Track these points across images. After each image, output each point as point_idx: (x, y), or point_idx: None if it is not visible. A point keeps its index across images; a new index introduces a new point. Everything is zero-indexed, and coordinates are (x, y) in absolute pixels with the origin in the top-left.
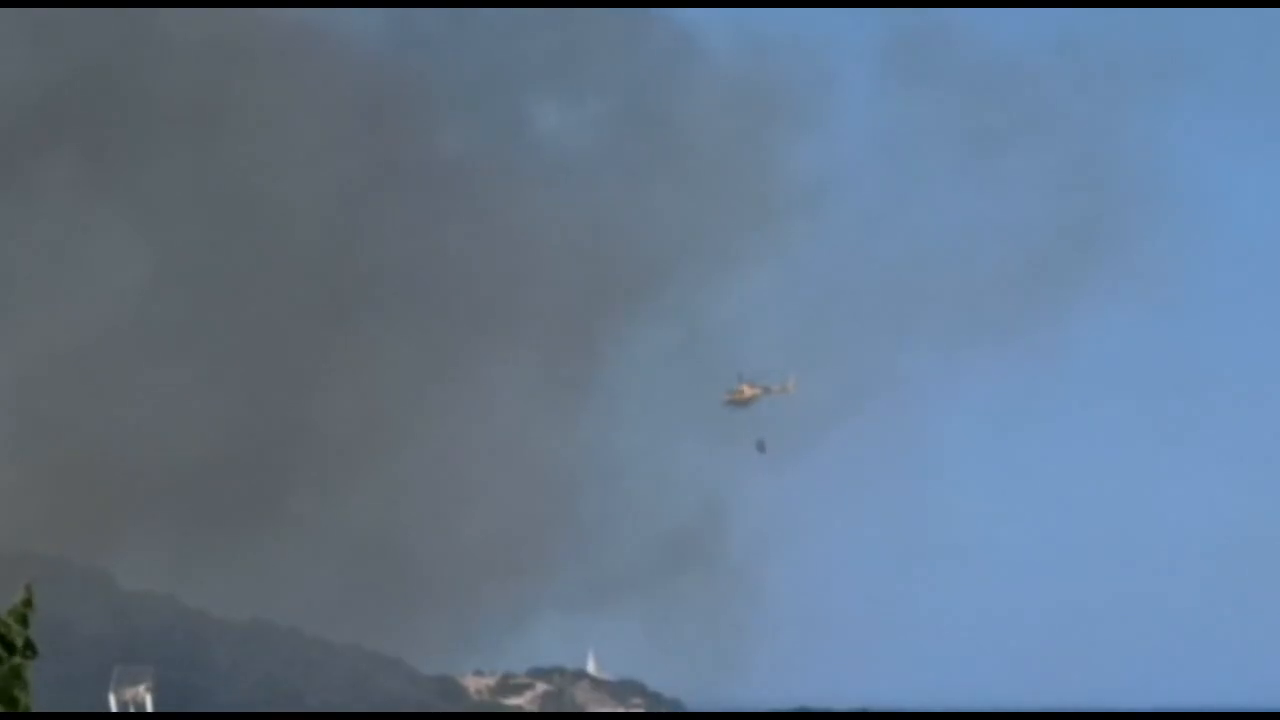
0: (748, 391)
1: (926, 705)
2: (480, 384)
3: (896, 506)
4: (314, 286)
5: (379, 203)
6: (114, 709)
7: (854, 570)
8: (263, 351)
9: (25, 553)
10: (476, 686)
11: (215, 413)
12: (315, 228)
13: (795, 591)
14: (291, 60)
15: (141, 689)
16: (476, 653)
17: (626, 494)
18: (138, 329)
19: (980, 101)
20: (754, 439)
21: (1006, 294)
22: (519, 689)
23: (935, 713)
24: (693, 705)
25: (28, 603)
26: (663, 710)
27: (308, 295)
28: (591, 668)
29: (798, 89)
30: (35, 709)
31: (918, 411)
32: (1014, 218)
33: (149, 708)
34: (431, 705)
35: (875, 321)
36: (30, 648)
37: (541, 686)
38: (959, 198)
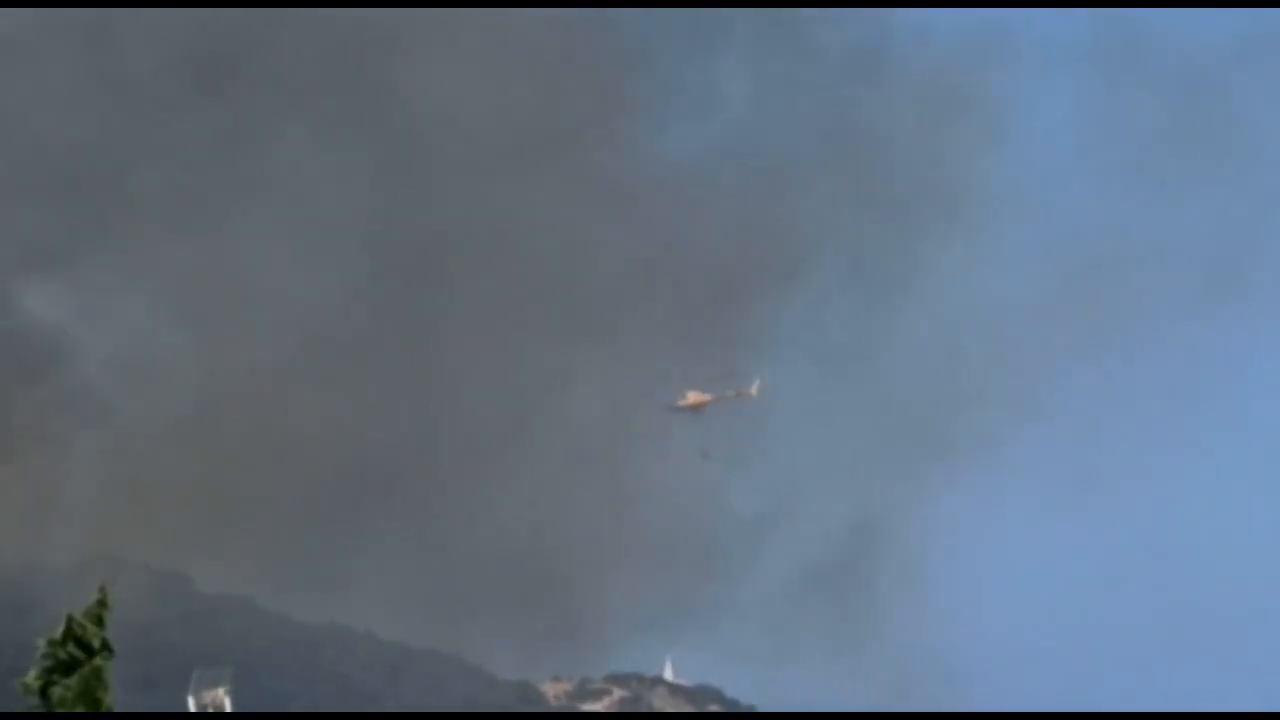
0: (693, 398)
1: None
2: (580, 392)
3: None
4: (447, 299)
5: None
6: (192, 710)
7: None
8: (364, 362)
9: (106, 556)
10: (554, 692)
11: (310, 426)
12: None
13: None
14: (464, 71)
15: (220, 691)
16: (555, 658)
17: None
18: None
19: (1178, 103)
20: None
21: (1189, 304)
22: (597, 694)
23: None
24: (766, 710)
25: (102, 603)
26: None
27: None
28: (669, 674)
29: (986, 91)
30: (116, 712)
31: (1097, 425)
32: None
33: (228, 709)
34: (508, 709)
35: (1053, 332)
36: (107, 648)
37: (619, 692)
38: (1148, 201)
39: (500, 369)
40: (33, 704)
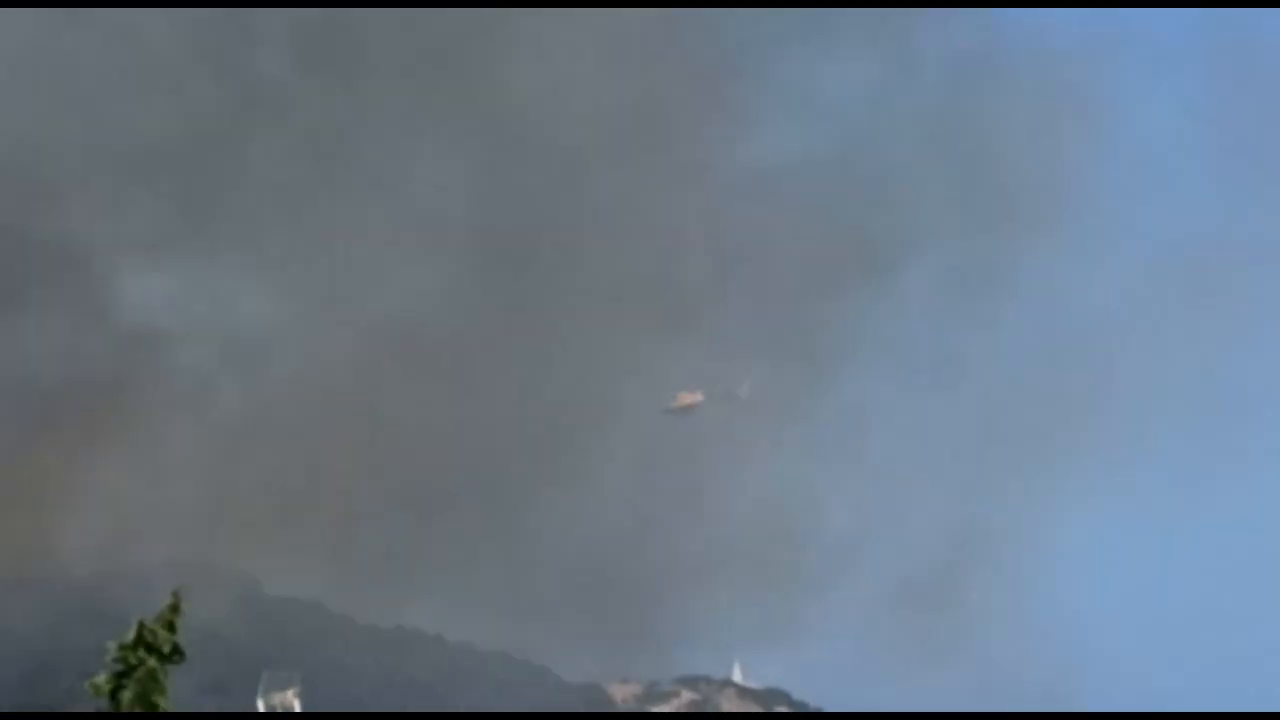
0: (686, 399)
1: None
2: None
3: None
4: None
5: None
6: (261, 712)
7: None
8: (454, 358)
9: (175, 559)
10: (623, 694)
11: (391, 425)
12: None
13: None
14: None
15: (289, 693)
16: (623, 661)
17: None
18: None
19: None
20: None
21: None
22: (665, 697)
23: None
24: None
25: (175, 608)
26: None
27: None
28: (737, 676)
29: (1093, 92)
30: (185, 712)
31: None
32: None
33: (297, 711)
34: (577, 712)
35: (1160, 336)
36: (178, 652)
37: (687, 694)
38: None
39: (587, 365)
40: (102, 706)
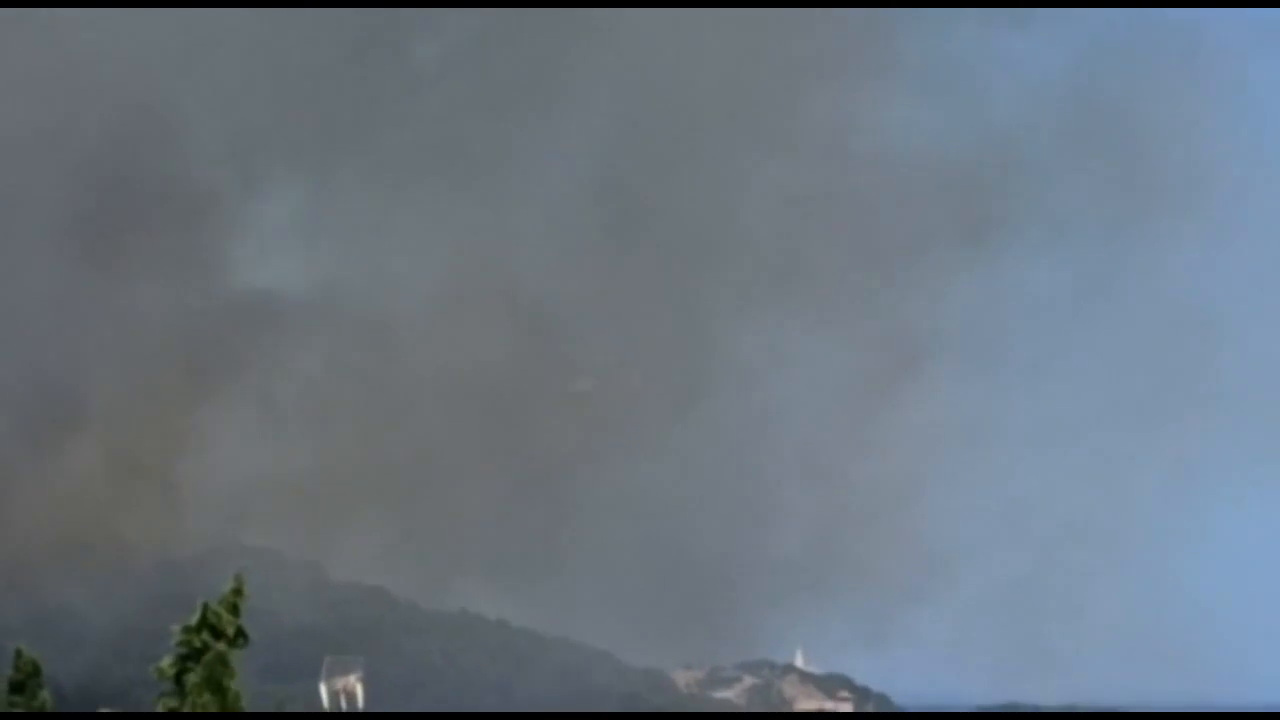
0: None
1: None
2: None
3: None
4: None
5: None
6: (325, 699)
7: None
8: (556, 336)
9: (239, 545)
10: (685, 680)
11: (442, 417)
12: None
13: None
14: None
15: (352, 679)
16: (685, 646)
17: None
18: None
19: None
20: None
21: None
22: (727, 682)
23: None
24: (900, 701)
25: (238, 592)
26: (870, 704)
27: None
28: (799, 662)
29: (1237, 77)
30: (246, 697)
31: None
32: None
33: (359, 698)
34: (640, 698)
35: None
36: (241, 635)
37: (749, 680)
38: None
39: (684, 344)
40: (167, 689)
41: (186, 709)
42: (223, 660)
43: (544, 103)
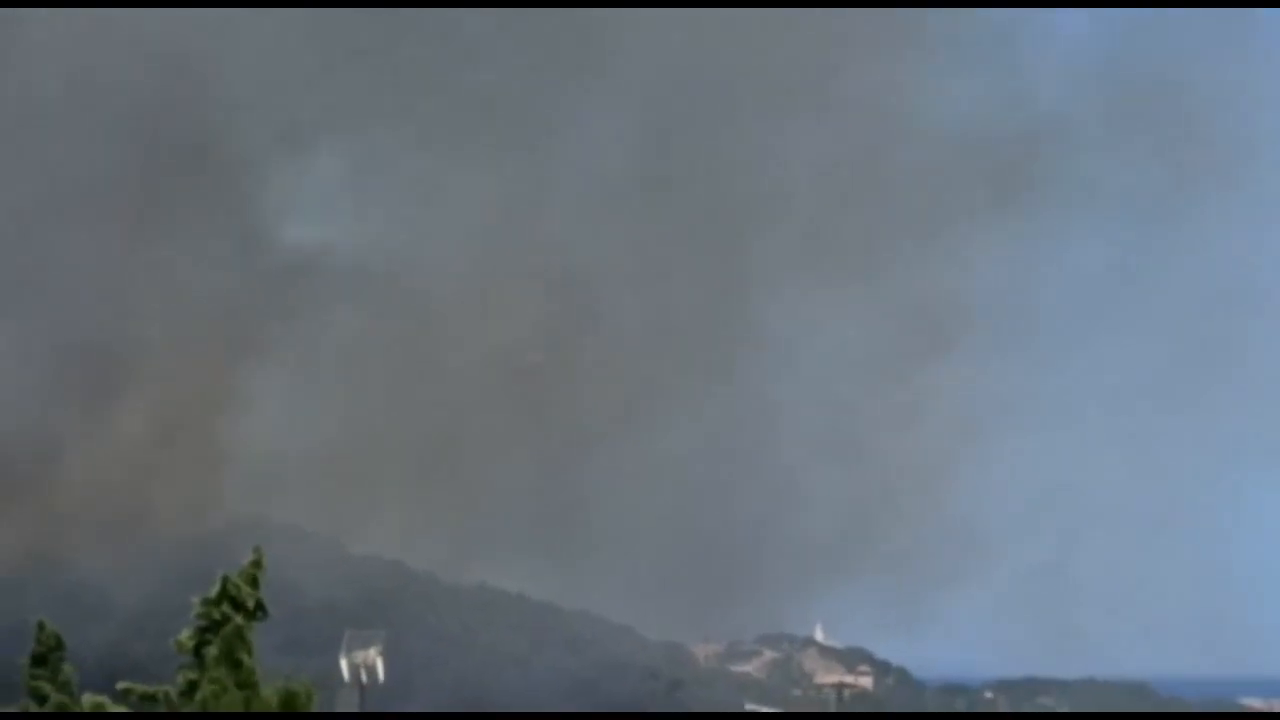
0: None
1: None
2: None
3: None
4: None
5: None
6: (345, 672)
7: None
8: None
9: (258, 518)
10: (705, 653)
11: (471, 388)
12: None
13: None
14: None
15: (372, 652)
16: (705, 619)
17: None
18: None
19: None
20: None
21: None
22: (746, 656)
23: None
24: (919, 675)
25: (257, 564)
26: (890, 678)
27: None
28: (819, 636)
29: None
30: (266, 671)
31: None
32: None
33: (380, 671)
34: (659, 671)
35: None
36: (261, 608)
37: (769, 653)
38: None
39: (716, 315)
40: (186, 663)
41: (205, 683)
42: (239, 634)
43: (586, 71)
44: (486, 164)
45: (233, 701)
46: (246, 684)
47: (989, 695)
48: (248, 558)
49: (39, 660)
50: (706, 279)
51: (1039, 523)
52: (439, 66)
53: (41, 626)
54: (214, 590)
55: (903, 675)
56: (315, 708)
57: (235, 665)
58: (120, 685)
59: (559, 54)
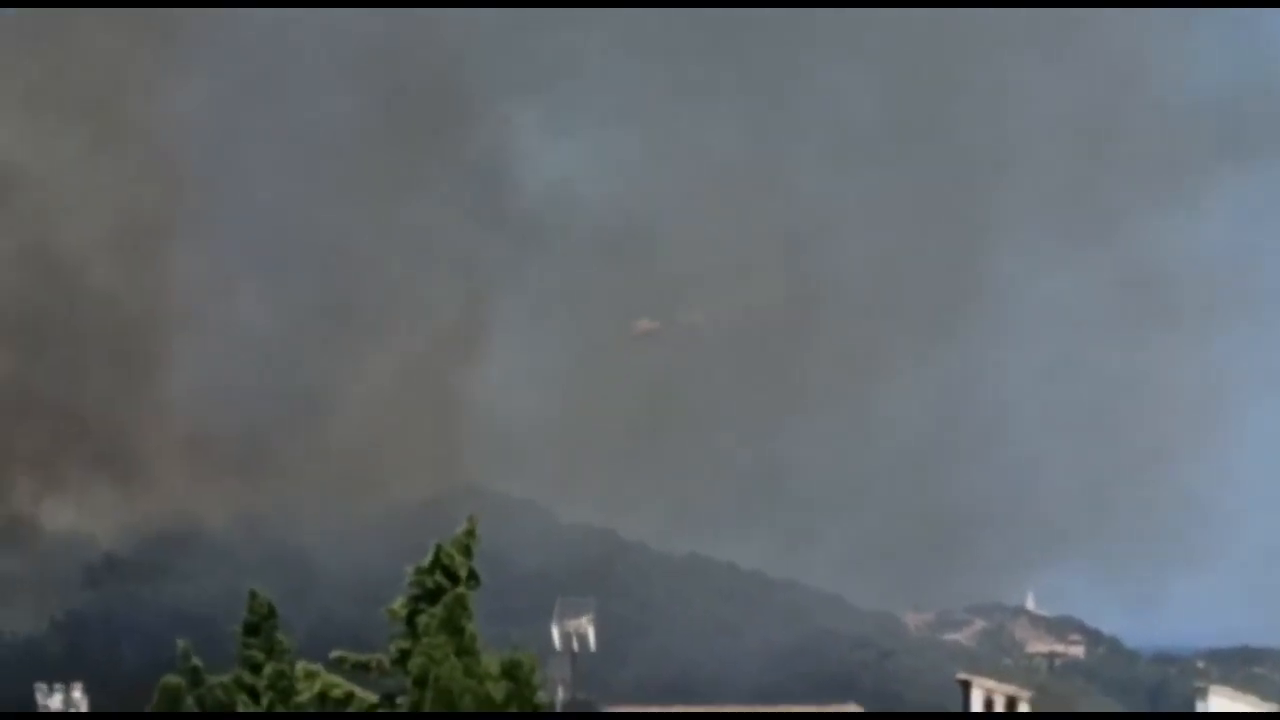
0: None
1: None
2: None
3: None
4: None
5: None
6: (556, 641)
7: None
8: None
9: (468, 487)
10: (915, 622)
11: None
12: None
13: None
14: None
15: (583, 620)
16: (915, 589)
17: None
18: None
19: None
20: None
21: None
22: (957, 625)
23: None
24: (1132, 645)
25: (470, 533)
26: (1102, 647)
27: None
28: (1030, 604)
29: None
30: (477, 640)
31: None
32: None
33: (591, 639)
34: (869, 640)
35: None
36: (474, 577)
37: (980, 623)
38: None
39: (948, 273)
40: (398, 631)
41: (419, 651)
42: (461, 601)
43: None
44: (728, 116)
45: (451, 669)
46: (467, 651)
47: (1200, 665)
48: (460, 526)
49: (252, 629)
50: (938, 237)
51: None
52: (680, 18)
53: (254, 595)
54: (428, 559)
55: (1114, 644)
56: (537, 678)
57: (456, 632)
58: (333, 654)
59: (801, 5)
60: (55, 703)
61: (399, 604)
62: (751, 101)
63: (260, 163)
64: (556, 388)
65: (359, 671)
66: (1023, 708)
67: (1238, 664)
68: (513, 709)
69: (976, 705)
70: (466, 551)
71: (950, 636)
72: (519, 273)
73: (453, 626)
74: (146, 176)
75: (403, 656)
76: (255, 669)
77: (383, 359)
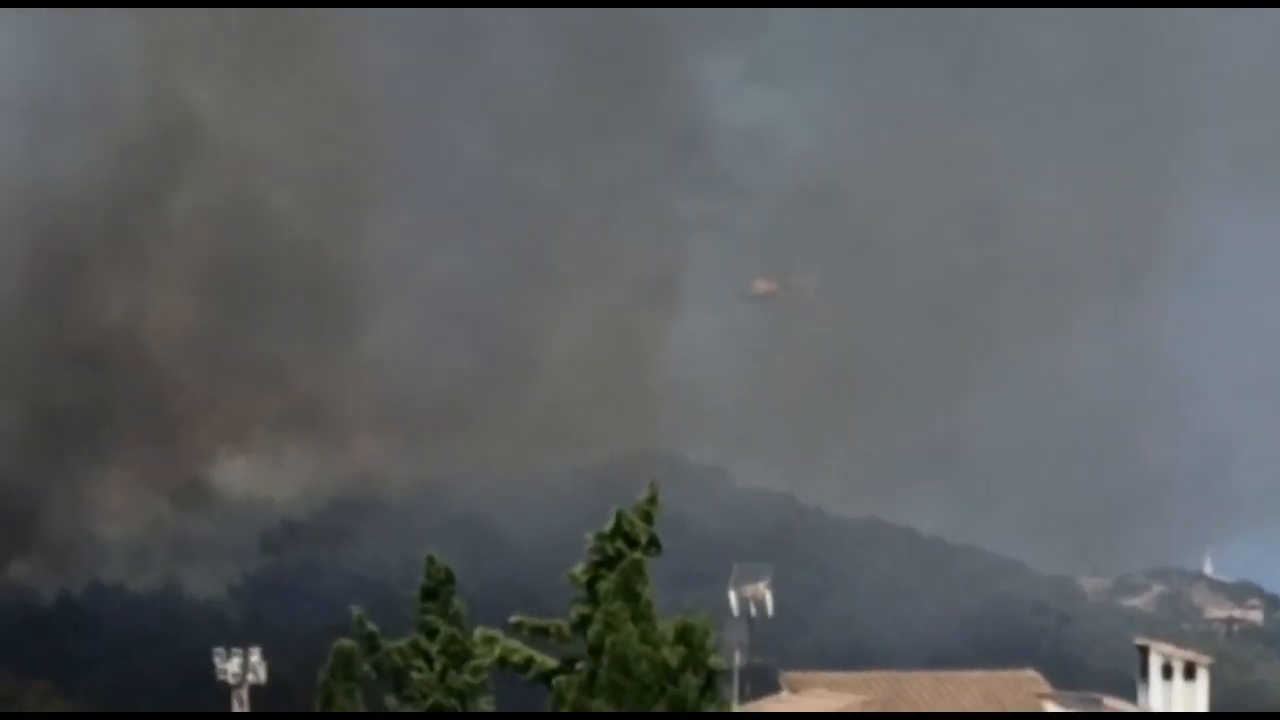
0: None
1: None
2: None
3: None
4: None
5: None
6: (734, 606)
7: None
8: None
9: (645, 452)
10: (1093, 588)
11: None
12: None
13: None
14: None
15: (761, 586)
16: (1093, 554)
17: None
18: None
19: None
20: None
21: None
22: (1135, 590)
23: None
24: None
25: (652, 500)
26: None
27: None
28: (1209, 569)
29: None
30: (657, 605)
31: None
32: None
33: (769, 605)
34: (1047, 605)
35: None
36: (654, 544)
37: (1158, 588)
38: None
39: (1138, 229)
40: (579, 597)
41: (598, 616)
42: (638, 567)
43: None
44: (922, 74)
45: (628, 635)
46: (643, 617)
47: None
48: (639, 492)
49: (429, 594)
50: (1131, 197)
51: None
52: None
53: (431, 560)
54: (609, 525)
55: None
56: (710, 642)
57: (632, 598)
58: (512, 619)
59: None
60: (233, 666)
61: (580, 570)
62: (947, 58)
63: (457, 121)
64: (743, 347)
65: (538, 636)
66: (1201, 673)
67: None
68: (687, 674)
69: (1154, 670)
70: (648, 518)
71: (1128, 602)
72: (713, 227)
73: (629, 592)
74: (346, 135)
75: (583, 622)
76: (431, 634)
77: (577, 316)
